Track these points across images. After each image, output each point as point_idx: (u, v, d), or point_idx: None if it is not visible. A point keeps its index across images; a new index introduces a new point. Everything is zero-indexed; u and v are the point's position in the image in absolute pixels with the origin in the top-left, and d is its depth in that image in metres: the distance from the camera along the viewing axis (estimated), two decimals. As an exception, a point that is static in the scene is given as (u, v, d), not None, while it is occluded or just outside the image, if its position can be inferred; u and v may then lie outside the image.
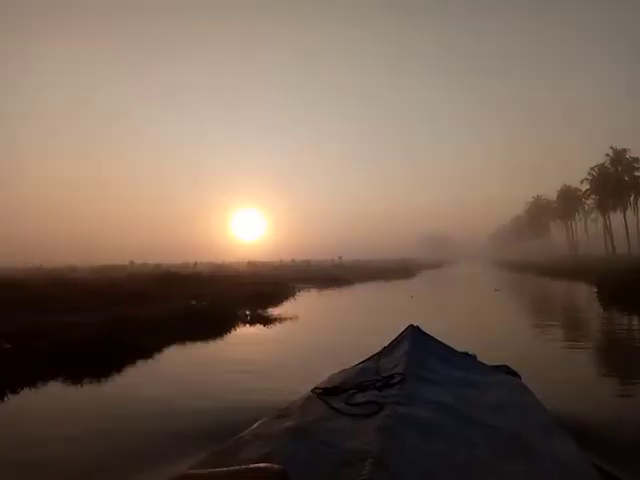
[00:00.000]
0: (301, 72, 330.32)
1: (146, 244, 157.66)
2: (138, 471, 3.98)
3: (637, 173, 57.38)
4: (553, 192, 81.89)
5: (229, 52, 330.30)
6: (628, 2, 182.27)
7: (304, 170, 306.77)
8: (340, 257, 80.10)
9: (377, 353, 3.96)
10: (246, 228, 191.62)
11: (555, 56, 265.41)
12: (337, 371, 3.73)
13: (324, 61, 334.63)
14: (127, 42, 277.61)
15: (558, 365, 7.93)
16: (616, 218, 60.44)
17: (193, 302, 16.03)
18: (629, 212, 57.97)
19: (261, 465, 1.52)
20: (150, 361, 9.07)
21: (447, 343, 4.19)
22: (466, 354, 4.20)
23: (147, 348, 9.53)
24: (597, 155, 63.87)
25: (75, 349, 8.51)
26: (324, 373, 3.74)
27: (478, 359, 4.19)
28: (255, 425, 2.58)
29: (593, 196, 63.00)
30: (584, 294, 21.21)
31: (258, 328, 13.42)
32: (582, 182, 63.39)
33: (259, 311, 16.13)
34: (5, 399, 6.75)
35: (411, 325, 4.23)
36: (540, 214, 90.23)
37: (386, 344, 4.08)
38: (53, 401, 6.80)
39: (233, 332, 12.61)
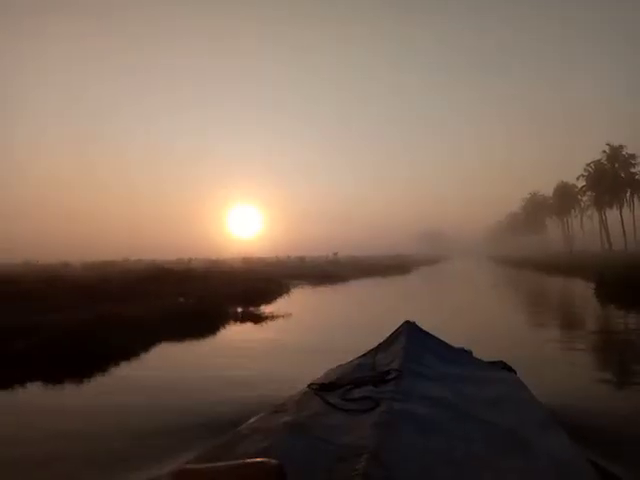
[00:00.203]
0: (300, 69, 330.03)
1: (142, 241, 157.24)
2: None
3: (633, 169, 57.33)
4: (550, 189, 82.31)
5: (227, 49, 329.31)
6: (628, 2, 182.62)
7: (302, 166, 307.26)
8: (335, 253, 79.96)
9: (373, 349, 3.94)
10: (243, 224, 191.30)
11: (555, 55, 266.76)
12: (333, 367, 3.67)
13: (323, 58, 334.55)
14: (123, 39, 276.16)
15: (560, 362, 7.69)
16: (612, 215, 60.47)
17: (181, 299, 15.64)
18: (625, 209, 58.04)
19: (258, 460, 1.52)
20: (129, 363, 8.57)
21: (442, 338, 4.15)
22: (462, 350, 4.19)
23: (129, 348, 9.11)
24: (595, 153, 63.72)
25: (53, 349, 8.13)
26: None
27: (474, 355, 4.18)
28: (252, 420, 2.58)
29: (589, 192, 63.00)
30: (581, 290, 21.05)
31: (249, 326, 13.07)
32: (578, 178, 63.39)
33: (251, 308, 15.92)
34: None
35: (407, 321, 4.23)
36: (536, 210, 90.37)
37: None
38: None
39: (222, 330, 12.23)
